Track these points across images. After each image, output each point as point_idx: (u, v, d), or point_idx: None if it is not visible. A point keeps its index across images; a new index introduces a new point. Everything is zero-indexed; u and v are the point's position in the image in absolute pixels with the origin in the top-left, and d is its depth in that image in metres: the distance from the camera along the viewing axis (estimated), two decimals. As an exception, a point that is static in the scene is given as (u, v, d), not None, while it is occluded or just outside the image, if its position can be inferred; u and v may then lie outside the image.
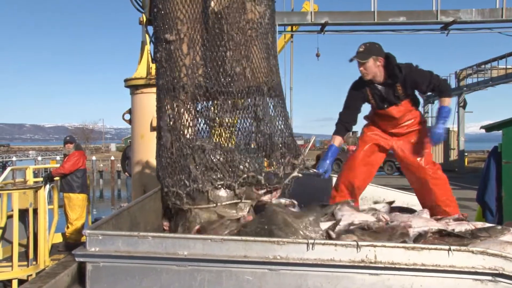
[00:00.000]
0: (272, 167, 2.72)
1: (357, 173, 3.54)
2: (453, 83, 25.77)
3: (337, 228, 2.46)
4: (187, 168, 2.58)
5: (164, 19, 2.70)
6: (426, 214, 3.06)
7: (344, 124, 3.59)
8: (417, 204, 3.80)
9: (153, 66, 4.97)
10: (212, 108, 2.71)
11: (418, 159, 3.45)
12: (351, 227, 2.52)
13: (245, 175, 2.58)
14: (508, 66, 21.14)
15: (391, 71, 3.36)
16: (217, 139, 2.70)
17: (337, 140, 3.58)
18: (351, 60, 3.41)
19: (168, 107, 2.70)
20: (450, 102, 3.39)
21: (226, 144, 2.70)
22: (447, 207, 3.37)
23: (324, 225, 2.46)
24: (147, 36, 5.24)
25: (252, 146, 2.72)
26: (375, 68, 3.36)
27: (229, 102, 2.64)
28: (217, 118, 2.68)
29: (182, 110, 2.66)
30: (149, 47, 5.30)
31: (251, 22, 2.68)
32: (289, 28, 16.58)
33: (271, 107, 2.79)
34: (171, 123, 2.68)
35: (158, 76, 2.84)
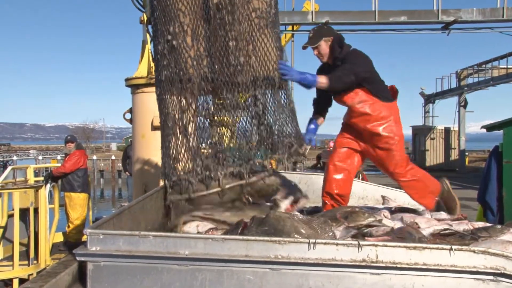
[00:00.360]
0: (278, 156, 2.72)
1: (333, 182, 3.42)
2: (454, 83, 25.78)
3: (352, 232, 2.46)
4: (198, 157, 2.60)
5: (166, 11, 2.69)
6: (428, 214, 3.06)
7: (316, 105, 3.57)
8: (418, 204, 3.80)
9: (153, 64, 4.98)
10: (219, 99, 2.72)
11: (386, 165, 3.33)
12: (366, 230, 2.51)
13: (252, 162, 2.59)
14: (509, 66, 21.10)
15: (333, 49, 3.29)
16: (226, 130, 2.72)
17: (316, 116, 3.57)
18: (304, 48, 3.37)
19: (174, 98, 2.70)
20: (323, 84, 3.06)
21: (235, 134, 2.72)
22: (422, 199, 3.38)
23: (336, 228, 2.45)
24: (147, 35, 5.23)
25: (257, 136, 2.73)
26: (328, 49, 3.33)
27: (236, 93, 2.64)
28: (223, 110, 2.69)
29: (189, 101, 2.67)
30: (150, 46, 5.30)
31: (258, 11, 2.68)
32: (290, 28, 16.58)
33: (282, 96, 2.80)
34: (178, 114, 2.68)
35: (160, 69, 2.82)
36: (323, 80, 3.08)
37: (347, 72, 3.14)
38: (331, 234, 2.28)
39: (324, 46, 3.32)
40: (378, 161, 3.40)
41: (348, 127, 3.48)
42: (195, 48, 2.63)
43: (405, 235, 2.33)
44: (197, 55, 2.63)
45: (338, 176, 3.42)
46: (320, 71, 3.45)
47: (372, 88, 3.27)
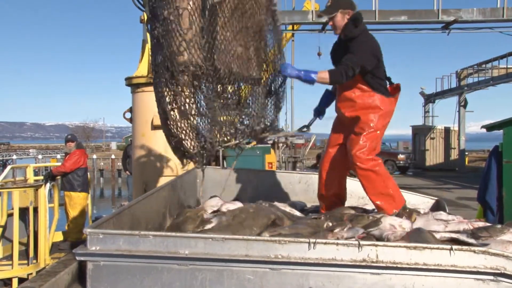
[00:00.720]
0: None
1: (325, 183, 3.39)
2: (454, 83, 25.78)
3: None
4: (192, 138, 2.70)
5: None
6: (430, 214, 3.05)
7: None
8: (417, 204, 3.80)
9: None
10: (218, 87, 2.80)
11: (351, 147, 3.16)
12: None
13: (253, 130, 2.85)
14: (509, 66, 21.08)
15: (347, 25, 3.17)
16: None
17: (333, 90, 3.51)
18: (319, 16, 3.36)
19: (167, 82, 2.74)
20: (325, 80, 3.02)
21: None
22: (376, 197, 3.15)
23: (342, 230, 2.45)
24: (148, 34, 5.21)
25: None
26: (343, 22, 3.20)
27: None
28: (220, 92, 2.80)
29: (182, 84, 2.71)
30: (150, 46, 5.28)
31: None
32: (290, 27, 16.57)
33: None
34: (171, 97, 2.73)
35: (155, 53, 2.85)
36: (324, 76, 3.00)
37: (351, 65, 3.01)
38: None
39: (340, 18, 3.19)
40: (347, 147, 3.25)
41: (337, 124, 3.43)
42: (189, 33, 2.64)
43: (424, 243, 2.29)
44: (190, 40, 2.64)
45: (330, 176, 3.40)
46: (334, 51, 3.38)
47: (369, 77, 3.15)
